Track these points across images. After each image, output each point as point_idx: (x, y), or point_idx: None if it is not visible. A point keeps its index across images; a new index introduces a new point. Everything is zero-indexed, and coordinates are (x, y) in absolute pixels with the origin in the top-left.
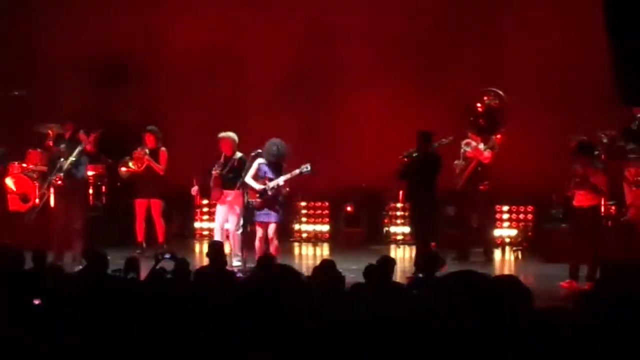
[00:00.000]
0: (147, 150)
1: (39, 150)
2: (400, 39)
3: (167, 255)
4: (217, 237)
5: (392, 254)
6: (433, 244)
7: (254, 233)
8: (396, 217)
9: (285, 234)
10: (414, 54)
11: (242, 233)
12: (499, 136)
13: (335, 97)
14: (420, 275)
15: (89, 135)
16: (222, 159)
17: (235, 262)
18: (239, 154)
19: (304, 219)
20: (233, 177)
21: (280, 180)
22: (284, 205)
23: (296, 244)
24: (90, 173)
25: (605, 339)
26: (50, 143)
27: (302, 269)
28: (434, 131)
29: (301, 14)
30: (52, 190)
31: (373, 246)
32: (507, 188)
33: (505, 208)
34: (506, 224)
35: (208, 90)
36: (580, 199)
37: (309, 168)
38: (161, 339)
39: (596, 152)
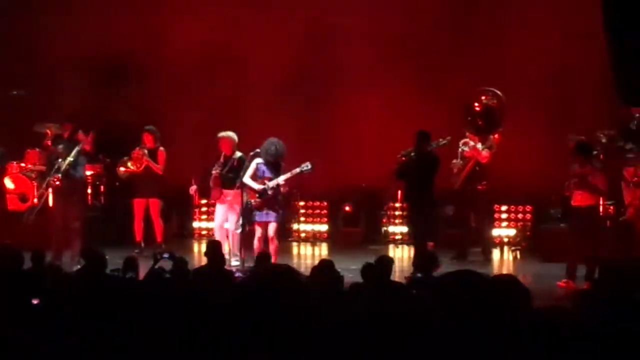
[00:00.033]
0: (145, 151)
1: (37, 150)
2: (400, 39)
3: (166, 255)
4: (217, 236)
5: (391, 254)
6: (431, 243)
7: (252, 233)
8: (395, 217)
9: (284, 234)
10: (413, 54)
11: (241, 233)
12: (496, 136)
13: (334, 97)
14: (419, 275)
15: (87, 135)
16: (221, 159)
17: (234, 262)
18: (238, 154)
19: (302, 219)
20: (233, 176)
21: (281, 179)
22: (283, 205)
23: (295, 243)
24: (88, 173)
25: (604, 338)
26: (49, 143)
27: (301, 269)
28: (433, 131)
29: (301, 14)
30: (50, 190)
31: (372, 246)
32: (506, 188)
33: (504, 208)
34: (505, 223)
35: (208, 90)
36: (579, 198)
37: (310, 166)
38: (160, 338)
39: (595, 152)
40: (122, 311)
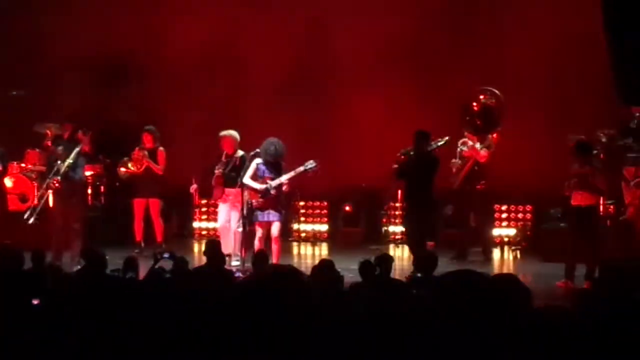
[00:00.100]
0: (146, 152)
1: (37, 150)
2: (400, 39)
3: (166, 255)
4: (222, 236)
5: (391, 254)
6: (432, 243)
7: (252, 233)
8: (395, 217)
9: (284, 234)
10: (413, 54)
11: (242, 232)
12: (495, 135)
13: (334, 97)
14: (419, 275)
15: (86, 135)
16: (223, 158)
17: (234, 262)
18: (240, 152)
19: (302, 219)
20: (235, 175)
21: (284, 178)
22: (285, 204)
23: (295, 243)
24: (88, 173)
25: (604, 338)
26: (49, 143)
27: (301, 269)
28: (433, 131)
29: (301, 14)
30: (50, 191)
31: (372, 246)
32: (506, 187)
33: (504, 207)
34: (505, 223)
35: (208, 90)
36: (579, 198)
37: (314, 164)
38: (160, 338)
39: (595, 152)
40: (122, 311)
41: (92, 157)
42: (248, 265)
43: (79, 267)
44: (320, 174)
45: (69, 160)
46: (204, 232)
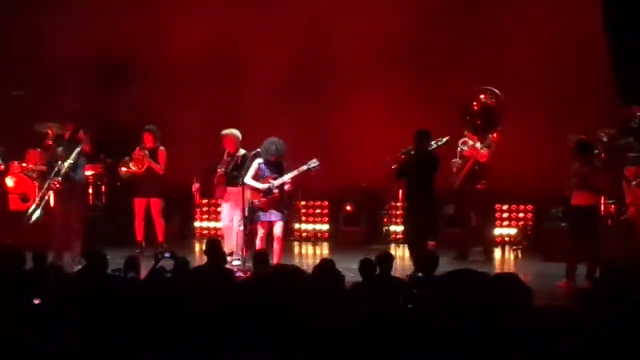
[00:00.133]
0: (147, 152)
1: (38, 149)
2: (400, 39)
3: (167, 255)
4: (226, 235)
5: (392, 253)
6: (432, 243)
7: (254, 232)
8: (396, 217)
9: (285, 234)
10: (413, 54)
11: (243, 232)
12: (495, 135)
13: (334, 97)
14: (420, 274)
15: (87, 134)
16: (225, 156)
17: (235, 261)
18: (242, 151)
19: (303, 218)
20: (237, 174)
21: (287, 177)
22: (287, 204)
23: (296, 243)
24: (89, 173)
25: (605, 337)
26: (50, 142)
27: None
28: (433, 131)
29: (301, 14)
30: (50, 192)
31: (373, 245)
32: (507, 187)
33: (505, 207)
34: (506, 222)
35: (208, 90)
36: (579, 198)
37: (317, 163)
38: (161, 338)
39: (596, 151)
40: (123, 311)
41: (93, 156)
42: (249, 265)
43: (80, 266)
44: (321, 174)
45: (70, 161)
46: (204, 232)
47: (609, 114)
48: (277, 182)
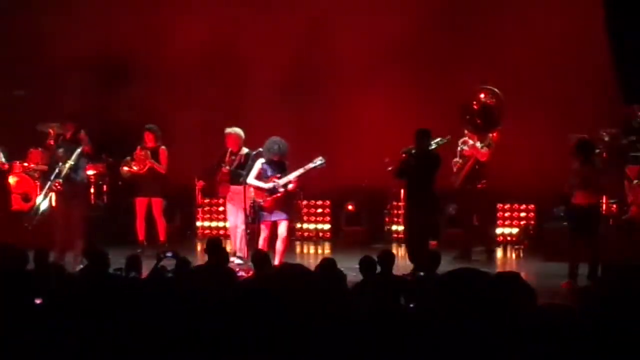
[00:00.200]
0: (148, 152)
1: (40, 149)
2: (401, 39)
3: (169, 254)
4: (233, 235)
5: (394, 252)
6: (434, 242)
7: (254, 232)
8: (398, 216)
9: (288, 233)
10: (414, 53)
11: (245, 231)
12: (495, 134)
13: (335, 97)
14: (422, 273)
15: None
16: (228, 155)
17: (238, 260)
18: (245, 150)
19: (305, 218)
20: (240, 173)
21: (292, 176)
22: (291, 203)
23: (297, 242)
24: (91, 172)
25: (607, 336)
26: (52, 142)
27: None
28: (434, 130)
29: (301, 14)
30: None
31: (374, 245)
32: (509, 186)
33: (507, 206)
34: (507, 222)
35: (208, 90)
36: (580, 197)
37: (323, 161)
38: (162, 337)
39: (597, 151)
40: (124, 310)
41: (94, 156)
42: (251, 264)
43: (81, 266)
44: (322, 174)
45: (70, 162)
46: (206, 232)
47: (611, 113)
48: (282, 181)
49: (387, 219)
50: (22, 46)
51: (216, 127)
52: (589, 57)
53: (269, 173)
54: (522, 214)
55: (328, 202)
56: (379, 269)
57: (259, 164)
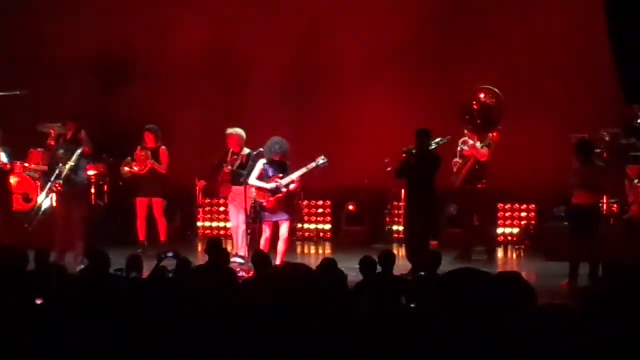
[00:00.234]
0: (149, 153)
1: (40, 149)
2: (401, 39)
3: (170, 254)
4: (235, 235)
5: (395, 253)
6: (434, 242)
7: (258, 232)
8: (398, 216)
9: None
10: (414, 54)
11: (246, 231)
12: (495, 133)
13: (335, 97)
14: (422, 273)
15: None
16: (229, 155)
17: (238, 259)
18: (246, 150)
19: (305, 218)
20: (243, 172)
21: (295, 176)
22: (292, 204)
23: (298, 242)
24: (91, 172)
25: (607, 337)
26: (52, 142)
27: None
28: (435, 130)
29: (302, 14)
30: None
31: (375, 245)
32: (510, 186)
33: (507, 206)
34: (508, 222)
35: (208, 90)
36: (579, 197)
37: (325, 160)
38: (163, 337)
39: (598, 150)
40: (125, 310)
41: (94, 156)
42: (251, 264)
43: (82, 266)
44: (322, 174)
45: (71, 163)
46: (207, 232)
47: (612, 113)
48: (285, 181)
49: (387, 219)
50: (22, 46)
51: (216, 127)
52: (589, 57)
53: (270, 173)
54: (523, 214)
55: (329, 202)
56: (379, 269)
57: (261, 164)
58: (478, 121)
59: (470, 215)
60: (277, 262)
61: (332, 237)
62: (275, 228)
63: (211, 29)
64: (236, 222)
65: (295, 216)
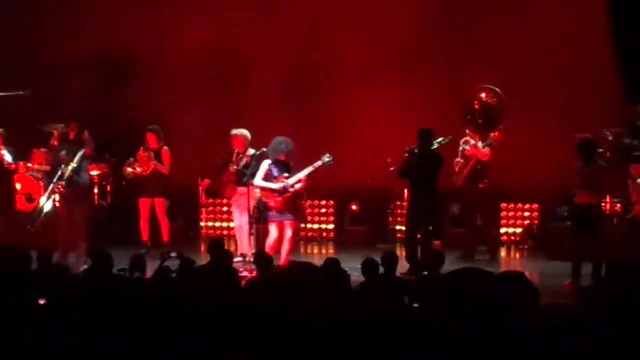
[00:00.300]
0: (151, 153)
1: (43, 150)
2: (401, 39)
3: (173, 254)
4: (239, 236)
5: (398, 253)
6: (437, 242)
7: (262, 232)
8: (401, 216)
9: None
10: (414, 54)
11: (250, 231)
12: (496, 133)
13: (336, 96)
14: (425, 273)
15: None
16: (235, 155)
17: (242, 260)
18: (251, 150)
19: (309, 218)
20: (246, 173)
21: (302, 175)
22: (297, 204)
23: (301, 242)
24: (94, 173)
25: (610, 337)
26: (55, 142)
27: None
28: (438, 130)
29: (302, 14)
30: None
31: (378, 245)
32: (513, 186)
33: (510, 206)
34: (511, 221)
35: (209, 90)
36: (582, 197)
37: (331, 158)
38: (166, 337)
39: (601, 150)
40: (129, 310)
41: (97, 156)
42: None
43: (85, 266)
44: (324, 173)
45: (73, 164)
46: (210, 232)
47: (613, 113)
48: (292, 180)
49: (390, 219)
50: (23, 46)
51: (217, 127)
52: (591, 57)
53: (276, 173)
54: (526, 214)
55: (332, 202)
56: (382, 270)
57: (266, 164)
58: (479, 121)
59: (473, 215)
60: (282, 261)
61: (335, 237)
62: (282, 228)
63: (212, 29)
64: (239, 222)
65: (300, 216)
